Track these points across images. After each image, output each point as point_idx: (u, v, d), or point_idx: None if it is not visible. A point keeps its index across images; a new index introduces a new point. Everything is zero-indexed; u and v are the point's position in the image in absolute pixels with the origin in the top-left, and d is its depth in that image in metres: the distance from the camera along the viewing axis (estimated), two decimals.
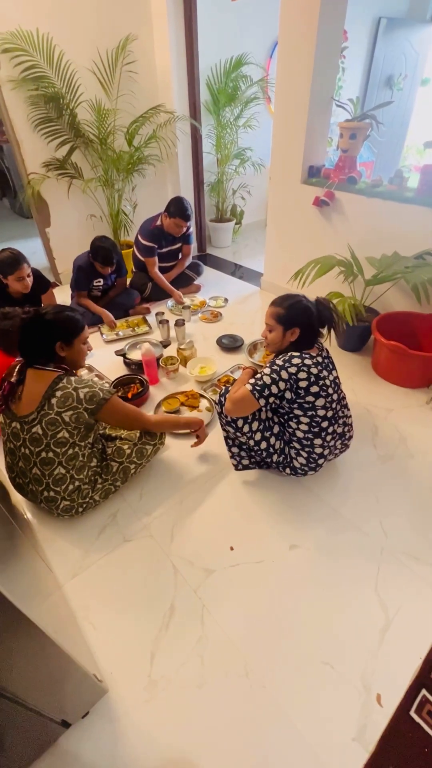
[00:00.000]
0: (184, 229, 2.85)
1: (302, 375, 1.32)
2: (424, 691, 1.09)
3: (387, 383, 2.22)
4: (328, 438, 1.46)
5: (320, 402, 1.36)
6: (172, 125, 3.21)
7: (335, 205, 2.49)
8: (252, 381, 1.37)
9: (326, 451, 1.49)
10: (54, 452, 1.35)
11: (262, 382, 1.35)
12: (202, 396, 2.10)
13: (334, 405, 1.42)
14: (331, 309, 1.40)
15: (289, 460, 1.52)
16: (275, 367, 1.34)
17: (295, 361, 1.33)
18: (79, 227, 3.31)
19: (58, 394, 1.31)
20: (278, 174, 2.73)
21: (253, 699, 1.10)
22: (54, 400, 1.31)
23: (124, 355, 2.34)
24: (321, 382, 1.34)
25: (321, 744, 1.02)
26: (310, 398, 1.35)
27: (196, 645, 1.21)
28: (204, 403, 2.08)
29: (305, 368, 1.32)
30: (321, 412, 1.39)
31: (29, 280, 2.27)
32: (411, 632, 1.22)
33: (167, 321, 2.64)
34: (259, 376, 1.38)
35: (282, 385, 1.33)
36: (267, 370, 1.36)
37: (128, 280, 3.08)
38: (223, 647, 1.20)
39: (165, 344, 2.43)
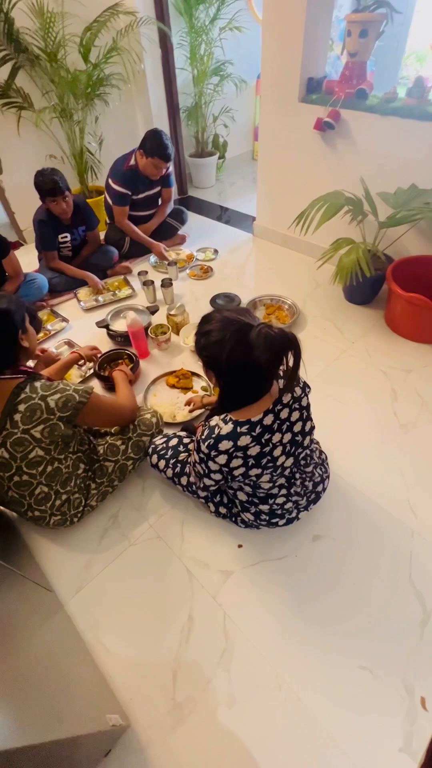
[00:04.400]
0: (164, 170, 2.42)
1: (236, 463, 0.99)
2: None
3: (404, 340, 2.01)
4: (280, 500, 1.17)
5: (265, 478, 1.07)
6: (136, 31, 2.61)
7: (341, 128, 2.09)
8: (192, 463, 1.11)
9: (280, 512, 1.21)
10: (29, 474, 1.14)
11: (197, 471, 1.09)
12: (194, 374, 1.87)
13: (286, 473, 1.11)
14: (286, 340, 0.89)
15: (235, 513, 1.27)
16: (201, 454, 1.01)
17: (224, 446, 0.96)
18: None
19: (22, 408, 1.07)
20: (270, 91, 2.27)
21: (289, 714, 1.01)
22: (18, 416, 1.07)
23: (107, 327, 2.05)
24: (265, 460, 1.01)
25: (365, 758, 0.95)
26: (251, 475, 1.05)
27: (221, 659, 1.10)
28: (200, 383, 1.85)
29: (239, 453, 0.97)
30: (266, 486, 1.11)
31: None
32: None
33: (152, 282, 2.32)
34: (191, 460, 1.12)
35: (217, 477, 1.05)
36: (195, 456, 1.06)
37: (103, 236, 2.69)
38: (250, 659, 1.10)
39: (152, 310, 2.14)
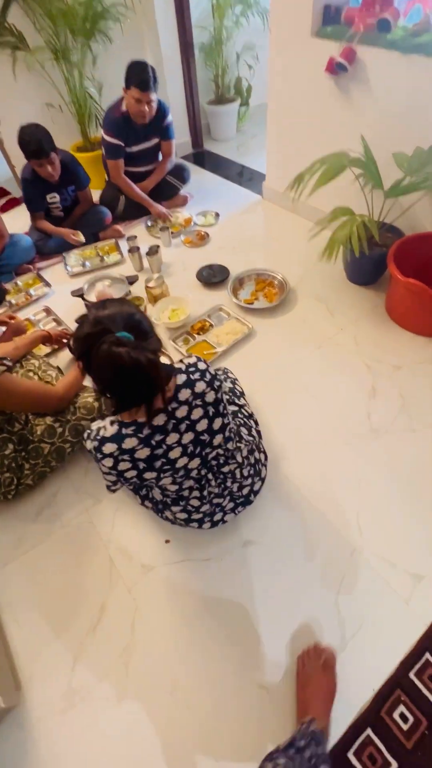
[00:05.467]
0: (149, 107, 2.13)
1: (124, 466, 0.90)
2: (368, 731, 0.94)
3: (401, 330, 1.77)
4: (194, 502, 1.09)
5: (166, 480, 0.98)
6: None
7: (356, 71, 1.75)
8: None
9: (197, 515, 1.13)
10: None
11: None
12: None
13: (193, 474, 1.01)
14: (134, 368, 0.77)
15: (160, 509, 1.18)
16: (94, 453, 0.91)
17: (107, 449, 0.87)
18: (36, 119, 2.62)
19: None
20: (279, 23, 1.93)
21: (175, 720, 1.00)
22: None
23: (82, 296, 1.98)
24: (159, 462, 0.92)
25: None
26: (147, 478, 0.95)
27: (123, 653, 1.09)
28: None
29: (125, 456, 0.88)
30: (172, 488, 1.02)
31: None
32: (374, 650, 1.04)
33: (137, 248, 2.19)
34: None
35: (111, 478, 0.95)
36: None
37: (99, 196, 2.54)
38: (151, 658, 1.08)
39: (131, 280, 2.03)
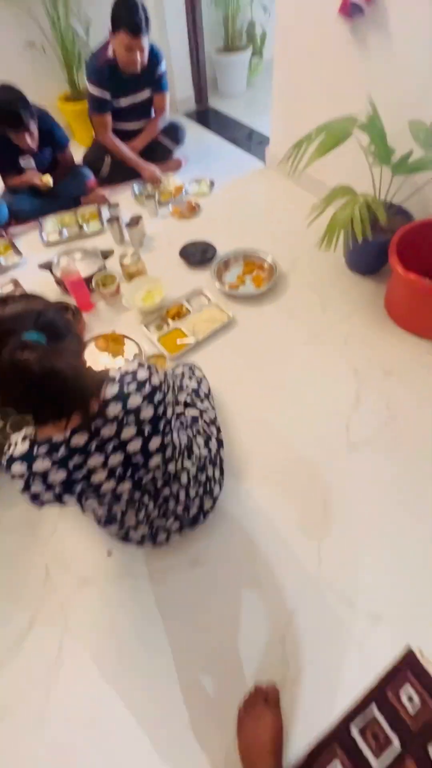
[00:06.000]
0: (140, 56, 1.86)
1: (37, 488, 0.75)
2: None
3: (399, 330, 1.58)
4: (131, 522, 0.98)
5: (90, 503, 0.85)
6: None
7: (375, 15, 1.46)
8: None
9: (136, 535, 1.03)
10: None
11: None
12: (126, 338, 1.60)
13: (124, 497, 0.88)
14: (45, 378, 0.63)
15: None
16: (8, 471, 0.76)
17: (16, 469, 0.74)
18: (16, 63, 2.38)
19: None
20: None
21: (89, 758, 0.92)
22: None
23: (50, 270, 1.80)
24: (78, 487, 0.78)
25: None
26: (66, 502, 0.81)
27: (46, 676, 1.01)
28: (131, 348, 1.59)
29: (38, 479, 0.74)
30: (100, 510, 0.91)
31: None
32: (315, 698, 0.94)
33: (117, 218, 1.98)
34: None
35: (27, 497, 0.79)
36: None
37: (83, 155, 2.30)
38: (76, 682, 1.00)
39: (105, 254, 1.84)
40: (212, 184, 2.30)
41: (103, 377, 0.80)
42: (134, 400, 0.78)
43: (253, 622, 1.04)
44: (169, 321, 1.67)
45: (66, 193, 2.17)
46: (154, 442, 0.83)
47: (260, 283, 1.76)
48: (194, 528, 1.10)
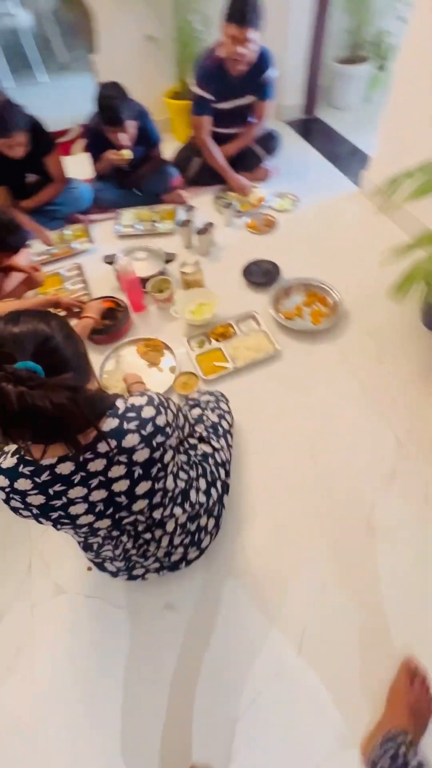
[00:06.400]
0: (246, 49, 1.75)
1: (16, 504, 0.75)
2: None
3: None
4: (107, 554, 0.94)
5: (66, 529, 0.81)
6: None
7: None
8: None
9: (111, 567, 0.99)
10: None
11: None
12: (167, 348, 1.57)
13: (101, 533, 0.84)
14: (25, 411, 0.57)
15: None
16: None
17: (0, 480, 0.73)
18: (134, 55, 2.43)
19: None
20: None
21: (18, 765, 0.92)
22: None
23: (112, 264, 1.82)
24: (55, 514, 0.76)
25: None
26: (43, 522, 0.79)
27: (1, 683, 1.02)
28: (168, 360, 1.55)
29: (17, 496, 0.73)
30: (76, 538, 0.89)
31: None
32: None
33: (189, 222, 1.95)
34: None
35: (8, 507, 0.77)
36: None
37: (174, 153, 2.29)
38: (24, 697, 1.00)
39: (168, 258, 1.81)
40: (297, 200, 2.17)
41: (106, 408, 0.75)
42: (131, 440, 0.73)
43: (210, 694, 0.96)
44: (212, 340, 1.60)
45: (149, 189, 2.19)
46: (142, 487, 0.78)
47: (319, 319, 1.63)
48: (174, 572, 1.04)
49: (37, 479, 0.72)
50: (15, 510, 0.78)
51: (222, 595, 1.08)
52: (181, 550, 0.98)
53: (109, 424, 0.72)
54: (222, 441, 1.18)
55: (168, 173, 2.18)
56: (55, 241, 2.06)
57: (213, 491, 1.05)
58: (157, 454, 0.76)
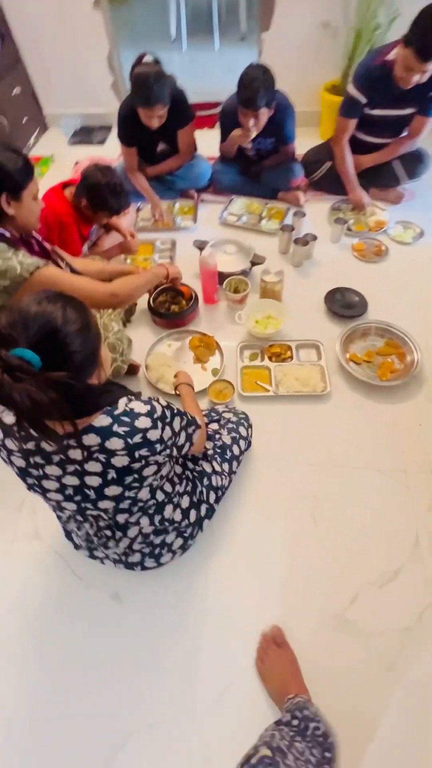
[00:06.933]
0: (418, 77, 1.58)
1: (2, 456, 0.80)
2: None
3: None
4: (72, 528, 0.99)
5: (37, 495, 0.84)
6: None
7: None
8: None
9: (77, 539, 1.02)
10: None
11: None
12: (219, 350, 1.55)
13: (66, 512, 0.88)
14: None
15: None
16: None
17: None
18: (302, 39, 2.29)
19: None
20: None
21: None
22: None
23: (200, 250, 1.80)
24: (30, 480, 0.81)
25: None
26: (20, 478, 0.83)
27: None
28: (215, 362, 1.52)
29: (4, 452, 0.78)
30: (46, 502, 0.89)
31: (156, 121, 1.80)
32: None
33: (291, 228, 1.84)
34: None
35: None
36: None
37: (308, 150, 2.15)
38: None
39: (255, 261, 1.74)
40: (421, 235, 1.92)
41: (104, 404, 0.74)
42: (115, 443, 0.72)
43: (115, 713, 0.98)
44: (265, 357, 1.53)
45: (268, 182, 2.11)
46: (112, 490, 0.78)
47: (387, 374, 1.45)
48: (127, 570, 1.05)
49: (23, 444, 0.75)
50: (4, 461, 0.84)
51: (166, 609, 1.07)
52: (138, 556, 0.98)
53: (101, 420, 0.72)
54: (225, 465, 1.14)
55: (292, 170, 2.07)
56: (165, 212, 2.09)
57: (193, 513, 1.02)
58: (136, 465, 0.75)
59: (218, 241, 1.82)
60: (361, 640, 1.01)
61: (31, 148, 2.68)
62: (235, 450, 1.18)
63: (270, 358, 1.52)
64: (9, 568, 1.17)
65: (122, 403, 0.74)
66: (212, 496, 1.09)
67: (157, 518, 0.93)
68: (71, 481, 0.76)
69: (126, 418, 0.72)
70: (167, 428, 0.77)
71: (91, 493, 0.78)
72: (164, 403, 0.79)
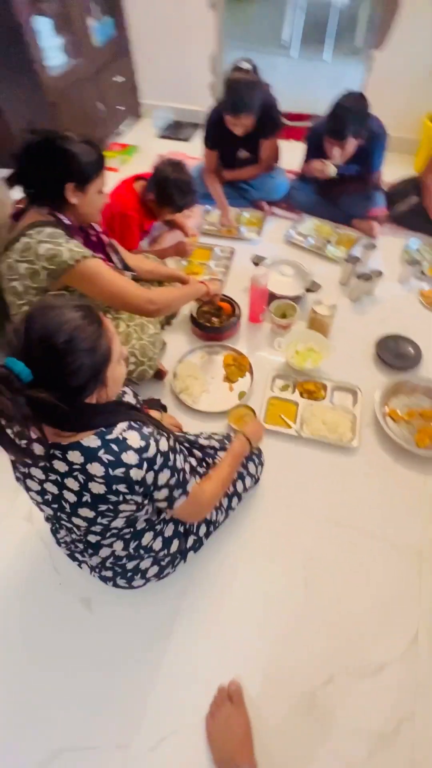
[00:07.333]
0: None
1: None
2: None
3: None
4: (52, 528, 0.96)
5: (22, 488, 0.81)
6: None
7: None
8: None
9: (57, 539, 0.97)
10: (10, 300, 1.22)
11: None
12: (250, 372, 1.48)
13: (45, 514, 0.86)
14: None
15: None
16: None
17: None
18: (415, 61, 2.15)
19: (23, 241, 1.07)
20: None
21: None
22: (17, 246, 1.09)
23: (256, 265, 1.74)
24: (18, 474, 0.79)
25: None
26: None
27: None
28: (242, 385, 1.46)
29: (2, 444, 0.67)
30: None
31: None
32: None
33: (357, 260, 1.73)
34: None
35: None
36: None
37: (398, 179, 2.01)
38: None
39: (311, 288, 1.65)
40: None
41: (97, 425, 0.69)
42: (95, 469, 0.68)
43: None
44: (297, 391, 1.44)
45: (345, 207, 1.99)
46: (85, 512, 0.74)
47: (425, 441, 1.31)
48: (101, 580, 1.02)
49: (16, 440, 0.74)
50: None
51: (130, 631, 1.03)
52: (110, 574, 0.95)
53: (90, 441, 0.68)
54: (224, 500, 1.08)
55: (373, 199, 1.94)
56: (231, 220, 2.05)
57: (175, 543, 0.97)
58: (112, 498, 0.71)
59: (277, 260, 1.75)
60: (326, 732, 0.91)
61: (119, 135, 2.75)
62: (239, 486, 1.11)
63: (301, 394, 1.43)
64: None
65: (119, 428, 0.70)
66: (203, 529, 1.04)
67: (132, 544, 0.89)
68: (51, 489, 0.74)
69: (114, 447, 0.68)
70: (151, 473, 0.71)
71: (67, 507, 0.75)
72: (166, 447, 0.72)
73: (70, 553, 1.01)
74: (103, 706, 0.95)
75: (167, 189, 1.54)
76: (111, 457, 0.67)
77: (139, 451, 0.68)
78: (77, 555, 0.97)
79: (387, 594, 1.08)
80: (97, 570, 0.96)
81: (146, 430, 0.72)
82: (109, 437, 0.68)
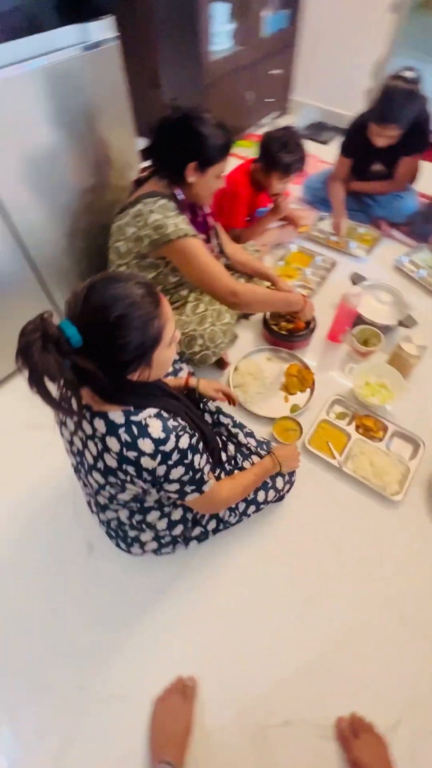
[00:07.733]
0: None
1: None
2: None
3: None
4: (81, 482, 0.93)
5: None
6: None
7: None
8: None
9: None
10: (111, 258, 1.30)
11: None
12: (311, 389, 1.42)
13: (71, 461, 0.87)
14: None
15: None
16: None
17: None
18: None
19: (138, 207, 1.14)
20: None
21: None
22: (132, 210, 1.16)
23: (353, 283, 1.64)
24: (61, 429, 0.82)
25: None
26: None
27: None
28: (299, 399, 1.40)
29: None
30: None
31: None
32: None
33: None
34: None
35: None
36: None
37: None
38: None
39: (405, 322, 1.51)
40: None
41: (129, 403, 0.70)
42: (112, 444, 0.69)
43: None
44: (353, 423, 1.35)
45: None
46: (96, 477, 0.77)
47: None
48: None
49: (61, 391, 0.67)
50: None
51: (120, 591, 1.08)
52: (113, 533, 0.99)
53: (115, 416, 0.69)
54: (241, 504, 1.06)
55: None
56: (344, 232, 1.96)
57: (179, 527, 0.98)
58: (120, 475, 0.72)
59: (377, 284, 1.64)
60: None
61: (260, 127, 2.76)
62: (260, 496, 1.08)
63: (357, 428, 1.33)
64: (24, 461, 1.29)
65: (146, 413, 0.70)
66: (212, 524, 1.04)
67: (137, 517, 0.91)
68: (77, 443, 0.78)
69: (135, 429, 0.68)
70: (164, 467, 0.70)
71: (86, 464, 0.78)
72: (186, 445, 0.71)
73: (88, 501, 1.07)
74: (73, 646, 1.01)
75: (271, 147, 1.49)
76: (128, 438, 0.68)
77: (157, 442, 0.68)
78: (92, 506, 1.03)
79: (376, 667, 0.98)
80: (104, 525, 1.01)
81: (172, 423, 0.71)
82: (133, 418, 0.69)
